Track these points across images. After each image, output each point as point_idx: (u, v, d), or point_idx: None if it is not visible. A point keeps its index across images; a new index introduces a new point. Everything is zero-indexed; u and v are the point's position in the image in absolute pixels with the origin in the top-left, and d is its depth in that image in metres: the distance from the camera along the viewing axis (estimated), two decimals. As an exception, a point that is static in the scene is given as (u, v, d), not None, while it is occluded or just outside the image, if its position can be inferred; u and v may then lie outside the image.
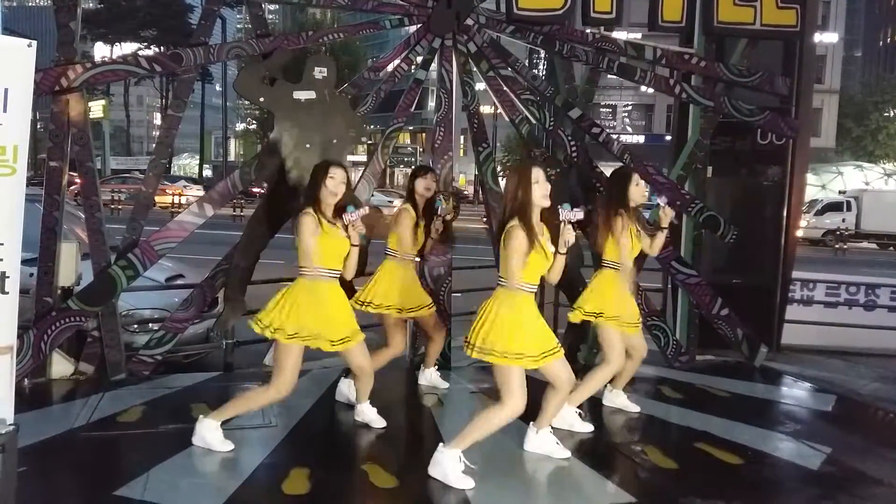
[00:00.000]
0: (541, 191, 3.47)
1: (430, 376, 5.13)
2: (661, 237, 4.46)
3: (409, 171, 41.86)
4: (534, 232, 3.41)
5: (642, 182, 4.47)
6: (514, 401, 3.45)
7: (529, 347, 3.44)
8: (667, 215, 4.41)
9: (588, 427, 4.31)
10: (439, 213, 4.73)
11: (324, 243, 3.72)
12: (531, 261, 3.43)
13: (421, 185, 4.76)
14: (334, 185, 3.76)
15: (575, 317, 4.42)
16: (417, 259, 5.03)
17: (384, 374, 4.78)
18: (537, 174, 3.49)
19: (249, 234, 5.18)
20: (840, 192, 29.63)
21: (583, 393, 4.33)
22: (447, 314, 5.56)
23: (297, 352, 3.73)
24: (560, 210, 3.48)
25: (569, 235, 3.48)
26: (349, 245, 3.78)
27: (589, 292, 4.42)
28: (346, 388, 4.66)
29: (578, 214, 3.49)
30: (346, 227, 3.74)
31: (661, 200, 4.46)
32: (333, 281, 3.83)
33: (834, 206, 27.10)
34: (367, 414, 4.30)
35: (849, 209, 26.85)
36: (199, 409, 4.44)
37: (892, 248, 25.69)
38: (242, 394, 4.12)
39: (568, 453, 3.92)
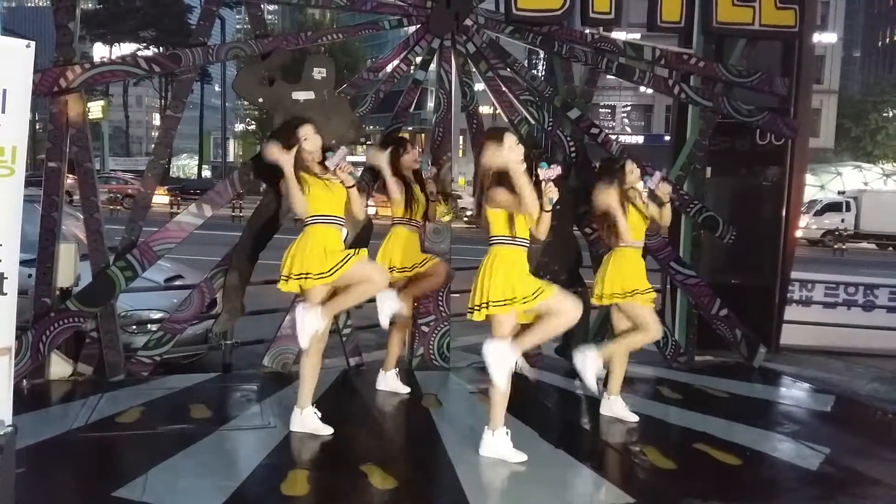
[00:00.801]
0: (516, 155, 3.60)
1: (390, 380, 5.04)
2: (667, 209, 4.59)
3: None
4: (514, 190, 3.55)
5: (637, 170, 4.54)
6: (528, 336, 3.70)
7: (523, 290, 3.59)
8: (663, 192, 4.52)
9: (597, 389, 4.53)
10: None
11: (318, 194, 3.87)
12: (518, 217, 3.60)
13: (408, 160, 4.84)
14: (310, 145, 3.90)
15: (608, 299, 4.48)
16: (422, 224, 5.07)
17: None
18: (510, 139, 3.65)
19: (248, 235, 5.18)
20: (839, 193, 29.65)
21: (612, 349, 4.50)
22: (445, 314, 5.57)
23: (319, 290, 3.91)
24: (539, 170, 3.62)
25: (551, 193, 3.64)
26: (345, 190, 3.93)
27: (614, 274, 4.46)
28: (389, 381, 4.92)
29: (556, 170, 3.65)
30: (334, 173, 3.89)
31: (652, 182, 4.51)
32: (340, 229, 3.97)
33: (833, 207, 27.11)
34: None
35: (848, 209, 26.87)
36: (198, 410, 4.45)
37: (891, 248, 25.69)
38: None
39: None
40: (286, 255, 3.89)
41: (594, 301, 4.61)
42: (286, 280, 3.87)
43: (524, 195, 3.53)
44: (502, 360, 3.66)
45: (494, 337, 3.69)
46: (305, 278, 3.83)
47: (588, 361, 4.35)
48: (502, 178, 3.61)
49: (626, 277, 4.42)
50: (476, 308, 3.65)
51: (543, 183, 3.64)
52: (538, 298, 3.60)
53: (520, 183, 3.54)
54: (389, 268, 4.68)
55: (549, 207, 3.68)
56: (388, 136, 5.28)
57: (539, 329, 3.75)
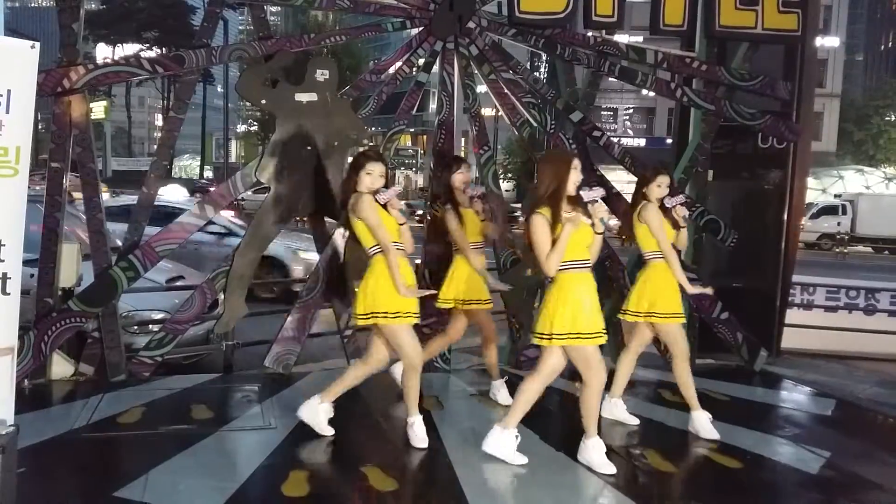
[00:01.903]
0: (575, 178, 3.65)
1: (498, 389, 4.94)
2: (683, 233, 4.55)
3: (409, 173, 41.95)
4: (558, 213, 3.57)
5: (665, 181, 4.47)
6: (591, 374, 3.70)
7: (571, 326, 3.60)
8: (679, 215, 4.46)
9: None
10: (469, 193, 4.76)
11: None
12: (571, 238, 3.59)
13: (458, 179, 4.73)
14: (371, 181, 3.90)
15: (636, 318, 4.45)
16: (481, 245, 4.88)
17: (386, 376, 4.79)
18: (576, 162, 3.68)
19: (250, 237, 5.19)
20: (836, 196, 29.52)
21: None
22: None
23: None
24: (581, 193, 3.66)
25: (601, 212, 3.67)
26: (396, 224, 3.94)
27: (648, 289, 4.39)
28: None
29: (599, 191, 3.69)
30: (385, 208, 3.90)
31: (671, 202, 4.43)
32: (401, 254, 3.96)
33: (829, 210, 26.92)
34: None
35: (844, 213, 26.73)
36: (199, 411, 4.46)
37: (886, 251, 25.53)
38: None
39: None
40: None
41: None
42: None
43: (537, 249, 3.62)
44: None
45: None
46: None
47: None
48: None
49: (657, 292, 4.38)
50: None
51: (589, 205, 3.66)
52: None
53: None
54: (451, 300, 4.70)
55: (601, 229, 3.70)
56: (443, 158, 5.14)
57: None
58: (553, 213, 3.57)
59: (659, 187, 4.39)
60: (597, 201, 3.68)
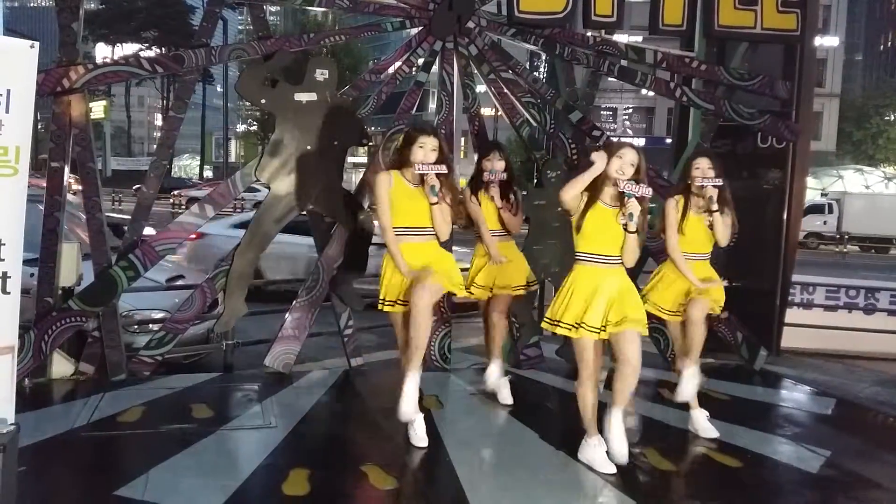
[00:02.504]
0: (617, 166, 3.57)
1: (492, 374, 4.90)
2: (718, 219, 4.40)
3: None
4: (595, 196, 3.57)
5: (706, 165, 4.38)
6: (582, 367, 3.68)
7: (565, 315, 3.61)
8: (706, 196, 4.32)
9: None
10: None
11: (402, 203, 3.89)
12: (588, 226, 3.56)
13: (487, 167, 4.71)
14: (423, 153, 3.85)
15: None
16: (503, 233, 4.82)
17: (386, 375, 4.79)
18: (629, 153, 3.61)
19: (250, 235, 5.19)
20: (822, 195, 29.39)
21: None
22: (443, 314, 5.57)
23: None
24: (624, 185, 3.53)
25: (631, 207, 3.51)
26: (427, 204, 3.86)
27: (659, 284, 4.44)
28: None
29: (644, 189, 3.52)
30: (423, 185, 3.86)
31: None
32: (423, 239, 3.94)
33: (815, 209, 26.72)
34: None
35: (830, 211, 26.67)
36: (199, 410, 4.46)
37: (873, 250, 25.43)
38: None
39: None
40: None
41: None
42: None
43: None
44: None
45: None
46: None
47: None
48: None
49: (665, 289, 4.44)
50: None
51: (626, 199, 3.54)
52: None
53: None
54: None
55: (633, 228, 3.55)
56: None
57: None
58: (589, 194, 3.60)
59: (697, 169, 4.36)
60: (632, 197, 3.51)
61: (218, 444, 3.98)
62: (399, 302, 4.02)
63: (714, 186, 4.28)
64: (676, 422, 4.74)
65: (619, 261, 3.66)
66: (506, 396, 4.79)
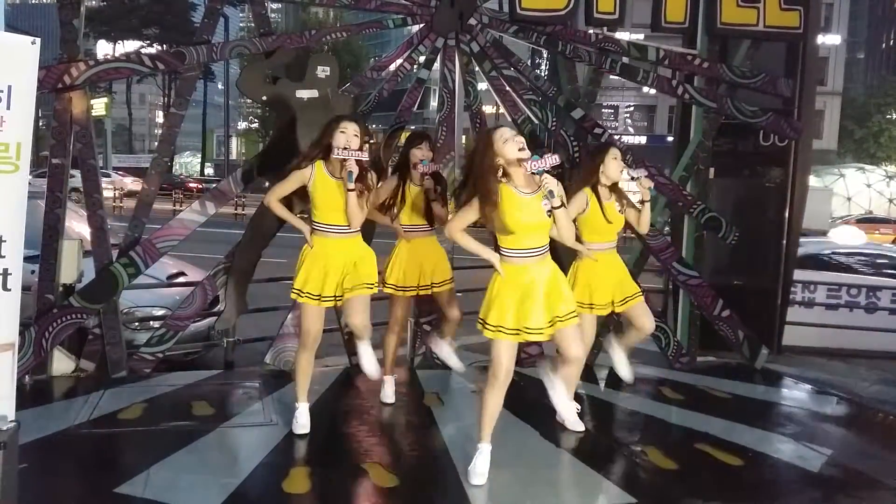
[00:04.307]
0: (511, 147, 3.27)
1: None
2: (646, 212, 4.28)
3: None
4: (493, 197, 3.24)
5: (619, 157, 4.26)
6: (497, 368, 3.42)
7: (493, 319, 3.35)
8: (644, 187, 4.20)
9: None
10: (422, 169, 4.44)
11: (324, 197, 3.75)
12: (507, 220, 3.26)
13: (417, 156, 4.47)
14: (345, 138, 3.67)
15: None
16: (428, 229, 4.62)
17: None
18: (504, 133, 3.33)
19: (251, 233, 5.19)
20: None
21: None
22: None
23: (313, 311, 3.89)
24: (529, 163, 3.21)
25: (550, 184, 3.21)
26: (341, 192, 3.69)
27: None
28: None
29: (551, 159, 3.19)
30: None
31: (637, 173, 4.20)
32: (339, 236, 3.79)
33: None
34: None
35: None
36: (200, 407, 4.46)
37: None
38: None
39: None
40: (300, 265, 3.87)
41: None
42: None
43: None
44: None
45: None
46: None
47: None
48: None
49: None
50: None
51: (536, 177, 3.24)
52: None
53: None
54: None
55: (556, 203, 3.25)
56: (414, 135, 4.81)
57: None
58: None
59: (615, 160, 4.21)
60: (541, 173, 3.19)
61: (218, 442, 3.98)
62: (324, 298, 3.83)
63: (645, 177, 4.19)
64: (677, 420, 4.74)
65: (546, 250, 3.40)
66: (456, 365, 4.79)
